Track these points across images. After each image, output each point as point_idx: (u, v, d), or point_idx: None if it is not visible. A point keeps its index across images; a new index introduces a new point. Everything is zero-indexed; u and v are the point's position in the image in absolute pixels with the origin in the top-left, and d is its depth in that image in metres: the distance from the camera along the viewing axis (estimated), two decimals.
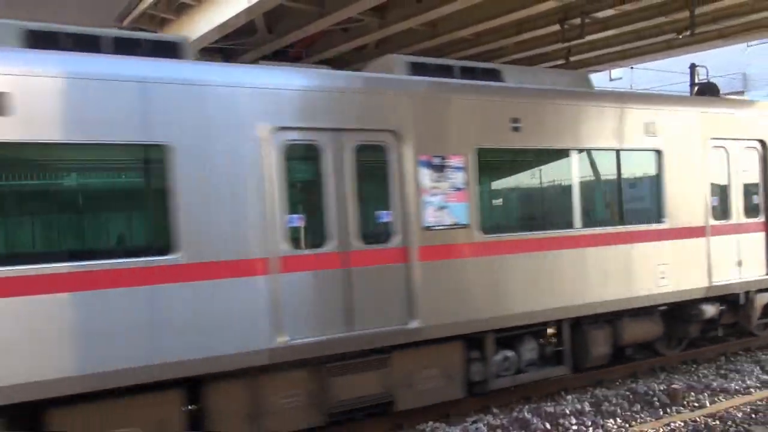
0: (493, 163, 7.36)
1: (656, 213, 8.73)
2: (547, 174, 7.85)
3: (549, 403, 7.77)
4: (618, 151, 8.47)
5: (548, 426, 6.97)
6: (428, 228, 6.84)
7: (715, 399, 7.94)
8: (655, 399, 7.84)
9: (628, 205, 8.58)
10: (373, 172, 6.63)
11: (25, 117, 5.10)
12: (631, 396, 8.02)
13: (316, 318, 6.20)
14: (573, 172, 8.04)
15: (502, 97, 7.32)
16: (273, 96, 6.04)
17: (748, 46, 29.23)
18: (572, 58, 14.81)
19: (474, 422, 7.16)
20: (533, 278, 7.44)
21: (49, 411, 5.21)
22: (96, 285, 5.21)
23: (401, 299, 6.66)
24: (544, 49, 14.96)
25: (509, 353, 7.56)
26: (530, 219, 7.77)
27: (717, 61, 27.35)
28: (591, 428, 6.97)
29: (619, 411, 7.53)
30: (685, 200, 8.94)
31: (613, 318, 8.46)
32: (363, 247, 6.46)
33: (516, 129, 7.35)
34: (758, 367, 9.30)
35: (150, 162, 5.57)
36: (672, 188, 8.82)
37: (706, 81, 13.11)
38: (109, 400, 5.42)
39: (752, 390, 8.26)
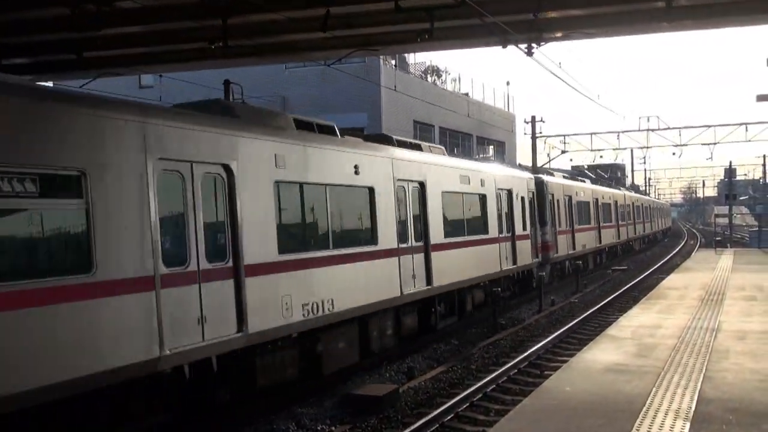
0: None
1: None
2: None
3: None
4: None
5: None
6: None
7: None
8: None
9: None
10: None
11: None
12: None
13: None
14: None
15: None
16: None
17: (286, 68, 30.13)
18: (86, 54, 11.82)
19: None
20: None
21: None
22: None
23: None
24: (50, 37, 11.58)
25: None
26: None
27: (257, 80, 27.50)
28: None
29: None
30: None
31: None
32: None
33: None
34: (294, 423, 8.51)
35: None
36: None
37: (241, 100, 12.12)
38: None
39: None
